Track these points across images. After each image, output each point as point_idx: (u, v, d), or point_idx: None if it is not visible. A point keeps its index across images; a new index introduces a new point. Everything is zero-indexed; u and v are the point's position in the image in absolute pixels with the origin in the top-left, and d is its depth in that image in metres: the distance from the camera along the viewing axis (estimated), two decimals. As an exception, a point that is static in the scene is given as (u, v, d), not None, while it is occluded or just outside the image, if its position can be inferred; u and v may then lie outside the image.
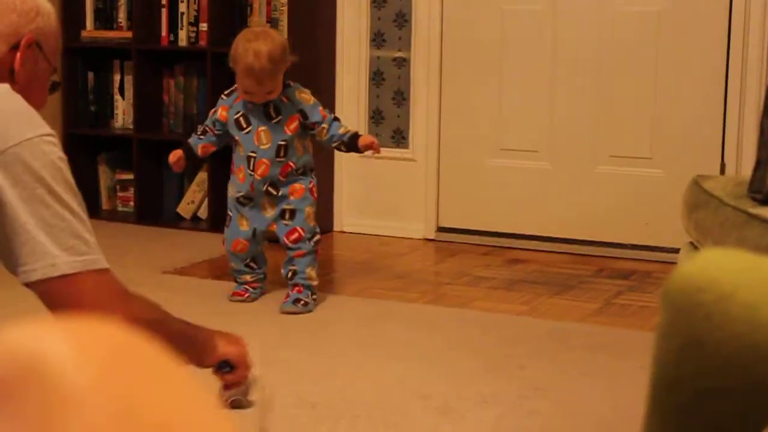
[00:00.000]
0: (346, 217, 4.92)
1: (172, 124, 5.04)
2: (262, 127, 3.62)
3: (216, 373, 2.38)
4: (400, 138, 4.84)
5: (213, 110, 3.74)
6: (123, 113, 5.12)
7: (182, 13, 4.94)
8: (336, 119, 3.68)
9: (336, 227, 4.89)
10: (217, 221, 4.58)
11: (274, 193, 3.65)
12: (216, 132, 3.70)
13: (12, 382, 0.55)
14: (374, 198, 4.84)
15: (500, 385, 2.91)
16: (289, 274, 3.66)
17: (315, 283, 3.68)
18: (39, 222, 1.74)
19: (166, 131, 5.03)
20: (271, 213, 3.66)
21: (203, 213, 4.93)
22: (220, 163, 4.45)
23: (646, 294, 3.93)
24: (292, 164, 3.64)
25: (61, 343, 0.55)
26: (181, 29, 4.94)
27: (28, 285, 1.78)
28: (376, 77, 4.87)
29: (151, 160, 5.00)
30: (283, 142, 3.62)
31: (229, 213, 3.73)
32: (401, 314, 3.61)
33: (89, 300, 1.78)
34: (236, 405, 2.48)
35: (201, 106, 4.94)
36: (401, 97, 4.83)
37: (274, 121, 3.61)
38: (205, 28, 4.87)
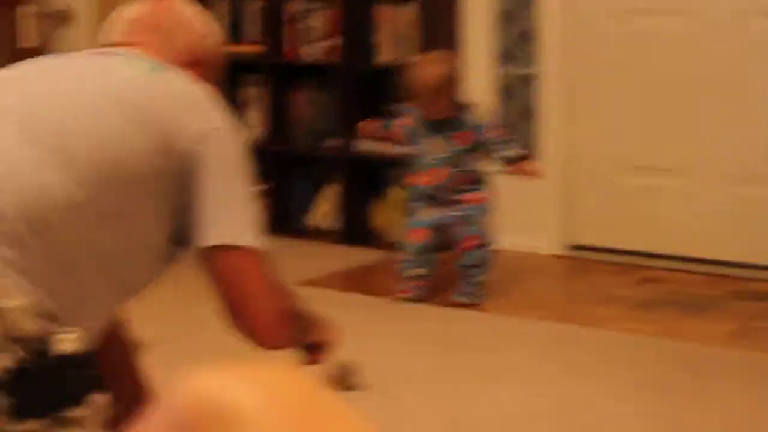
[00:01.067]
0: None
1: (301, 138, 5.07)
2: (440, 138, 3.93)
3: (305, 350, 2.35)
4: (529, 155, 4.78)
5: (399, 118, 4.08)
6: (254, 126, 5.16)
7: (312, 28, 4.96)
8: (507, 141, 4.00)
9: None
10: (350, 233, 4.60)
11: (451, 197, 3.94)
12: (402, 130, 4.04)
13: (198, 427, 0.55)
14: (507, 214, 4.78)
15: (632, 409, 2.84)
16: (462, 275, 3.93)
17: (484, 286, 3.97)
18: (229, 197, 1.90)
19: (296, 145, 5.05)
20: (451, 213, 3.94)
21: (332, 224, 4.93)
22: (356, 176, 4.47)
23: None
24: (468, 174, 3.95)
25: (247, 393, 0.55)
26: (311, 44, 4.96)
27: (201, 251, 1.88)
28: (505, 94, 4.82)
29: (281, 172, 5.03)
30: (457, 153, 3.92)
31: (412, 205, 4.03)
32: (531, 333, 3.56)
33: (253, 276, 1.92)
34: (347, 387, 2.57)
35: (330, 121, 4.96)
36: (530, 114, 4.77)
37: (450, 134, 3.92)
38: (335, 44, 4.88)
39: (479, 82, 4.81)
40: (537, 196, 4.73)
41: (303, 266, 4.32)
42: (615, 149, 4.64)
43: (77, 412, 1.63)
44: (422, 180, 3.99)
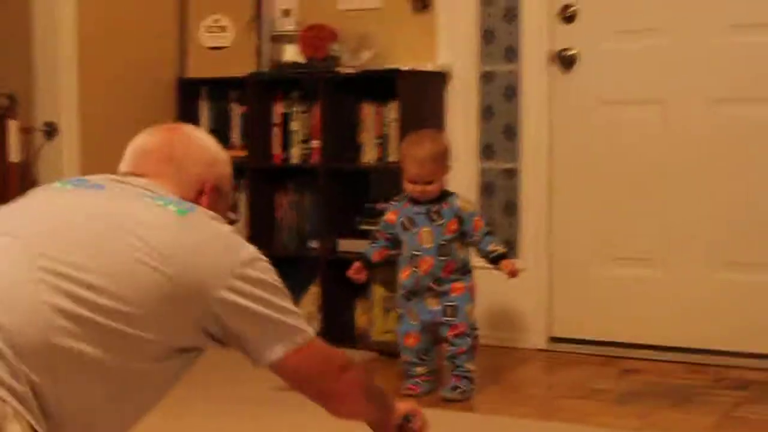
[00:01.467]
0: (459, 328, 4.93)
1: (285, 240, 5.14)
2: (426, 228, 4.00)
3: (404, 427, 2.48)
4: (510, 248, 4.84)
5: (384, 216, 4.15)
6: (237, 230, 5.23)
7: (294, 131, 5.06)
8: (489, 234, 4.04)
9: (449, 338, 4.90)
10: (332, 333, 4.64)
11: (437, 288, 3.99)
12: (387, 235, 4.11)
13: None
14: (487, 308, 4.84)
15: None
16: (451, 367, 4.00)
17: (473, 375, 4.02)
18: (271, 314, 2.04)
19: (280, 247, 5.11)
20: (435, 307, 4.00)
21: (315, 326, 4.97)
22: (339, 276, 4.51)
23: (766, 406, 3.84)
24: (453, 263, 3.99)
25: None
26: (294, 147, 5.06)
27: (269, 366, 2.08)
28: (486, 189, 4.91)
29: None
30: (444, 242, 3.98)
31: (399, 311, 4.11)
32: (514, 430, 3.58)
33: (317, 363, 2.13)
34: None
35: (313, 222, 5.03)
36: (511, 209, 4.86)
37: (437, 223, 3.99)
38: (317, 145, 4.98)
39: (462, 176, 4.89)
40: (518, 289, 4.79)
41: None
42: (593, 241, 4.71)
43: None
44: (407, 273, 4.04)
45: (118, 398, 1.90)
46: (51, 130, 4.83)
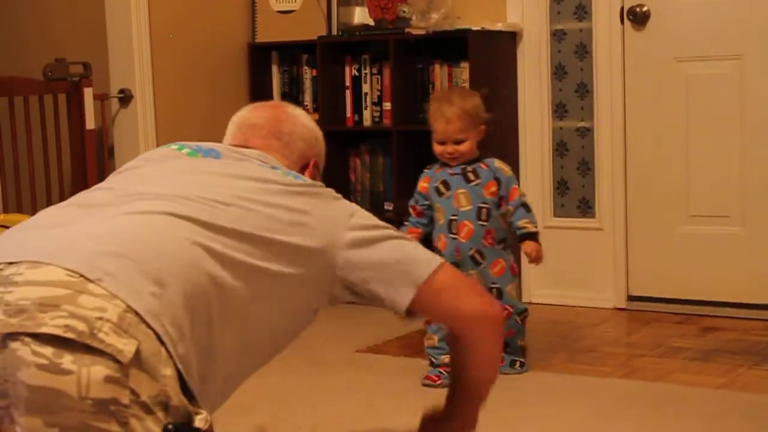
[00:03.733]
0: (534, 288, 4.92)
1: (359, 202, 5.14)
2: (461, 190, 3.71)
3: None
4: (586, 207, 4.82)
5: (417, 187, 3.83)
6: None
7: (366, 94, 5.06)
8: (524, 206, 3.72)
9: (525, 298, 4.87)
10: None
11: (480, 261, 3.68)
12: (420, 209, 3.79)
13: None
14: (563, 268, 4.82)
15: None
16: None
17: (526, 348, 3.82)
18: (390, 259, 2.13)
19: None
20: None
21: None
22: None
23: None
24: (494, 231, 3.69)
25: None
26: (366, 109, 5.06)
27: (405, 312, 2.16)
28: (560, 148, 4.89)
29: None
30: (483, 205, 3.69)
31: None
32: (595, 390, 3.58)
33: (448, 293, 2.19)
34: None
35: (387, 184, 5.04)
36: (586, 167, 4.83)
37: (473, 183, 3.70)
38: (389, 107, 4.97)
39: (535, 136, 4.87)
40: (595, 248, 4.77)
41: (364, 333, 4.38)
42: (670, 199, 4.66)
43: None
44: (444, 242, 3.72)
45: (257, 347, 2.00)
46: (126, 97, 4.87)
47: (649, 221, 4.72)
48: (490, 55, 4.85)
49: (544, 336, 4.33)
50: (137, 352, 1.67)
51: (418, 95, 4.95)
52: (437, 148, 3.73)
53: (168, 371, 1.71)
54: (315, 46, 5.14)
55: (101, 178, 3.56)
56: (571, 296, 4.82)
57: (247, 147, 2.31)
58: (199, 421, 1.73)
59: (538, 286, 4.91)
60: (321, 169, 2.47)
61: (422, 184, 3.81)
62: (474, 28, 4.78)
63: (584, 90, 4.81)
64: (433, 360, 3.75)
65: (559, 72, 4.86)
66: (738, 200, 4.54)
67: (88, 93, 4.69)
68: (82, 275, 1.72)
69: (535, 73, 4.89)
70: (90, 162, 4.67)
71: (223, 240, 1.91)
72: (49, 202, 4.53)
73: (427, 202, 3.80)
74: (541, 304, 4.86)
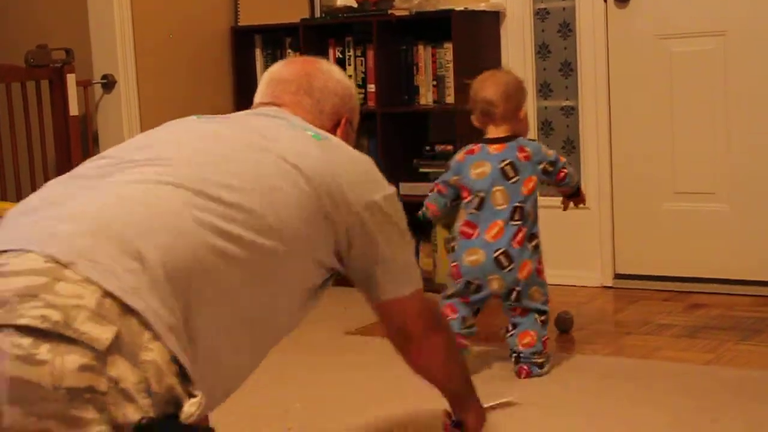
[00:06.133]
0: (521, 268, 4.92)
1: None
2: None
3: (447, 425, 2.57)
4: (571, 186, 4.83)
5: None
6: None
7: (350, 76, 5.05)
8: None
9: (512, 278, 4.89)
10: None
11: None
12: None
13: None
14: (549, 247, 4.81)
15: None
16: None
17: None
18: (393, 257, 2.17)
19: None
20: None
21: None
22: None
23: (837, 336, 3.82)
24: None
25: None
26: (350, 91, 5.05)
27: (377, 304, 2.25)
28: (545, 127, 4.89)
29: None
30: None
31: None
32: (583, 368, 3.59)
33: (412, 316, 2.28)
34: None
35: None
36: (571, 146, 4.83)
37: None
38: (373, 89, 4.96)
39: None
40: (581, 227, 4.78)
41: (353, 315, 4.37)
42: (655, 176, 4.67)
43: None
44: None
45: (249, 326, 1.95)
46: (109, 83, 4.85)
47: (635, 199, 4.73)
48: (474, 35, 4.85)
49: (532, 315, 4.33)
50: (116, 339, 1.64)
51: (402, 77, 4.95)
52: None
53: (152, 355, 1.68)
54: (298, 29, 5.13)
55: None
56: (558, 275, 4.80)
57: (275, 105, 2.28)
58: (190, 405, 1.69)
59: (525, 265, 4.91)
60: (355, 126, 2.42)
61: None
62: (457, 9, 4.78)
63: (568, 69, 4.81)
64: None
65: (542, 51, 4.86)
66: (723, 176, 4.55)
67: (71, 79, 4.67)
68: (57, 261, 1.71)
69: (519, 52, 4.89)
70: (74, 149, 4.65)
71: (217, 208, 1.88)
72: (34, 190, 4.50)
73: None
74: (529, 283, 4.85)
